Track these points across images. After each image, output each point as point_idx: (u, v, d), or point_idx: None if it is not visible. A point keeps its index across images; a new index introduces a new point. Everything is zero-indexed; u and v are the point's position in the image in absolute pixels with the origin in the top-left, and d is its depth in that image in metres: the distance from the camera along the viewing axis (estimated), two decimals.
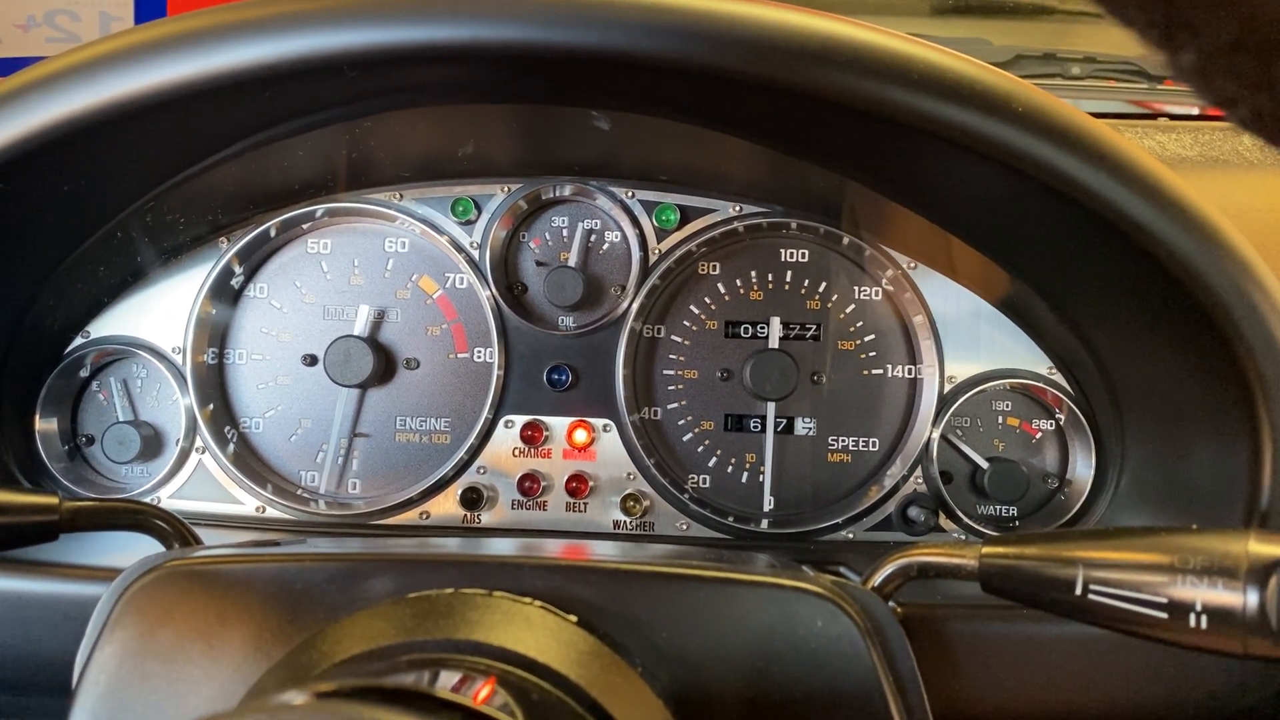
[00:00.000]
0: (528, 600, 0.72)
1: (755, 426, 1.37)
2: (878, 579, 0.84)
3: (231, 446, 1.38)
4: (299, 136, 1.08)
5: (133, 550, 0.86)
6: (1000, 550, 0.77)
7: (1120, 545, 0.71)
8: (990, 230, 1.09)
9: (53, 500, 0.86)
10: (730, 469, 1.39)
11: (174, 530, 0.92)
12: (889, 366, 1.39)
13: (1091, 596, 0.70)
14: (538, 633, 0.68)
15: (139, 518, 0.91)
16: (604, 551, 0.99)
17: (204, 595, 0.74)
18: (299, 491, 1.39)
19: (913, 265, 1.36)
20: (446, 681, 0.59)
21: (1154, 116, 1.76)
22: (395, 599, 0.72)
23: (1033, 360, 1.35)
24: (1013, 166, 0.84)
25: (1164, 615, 0.66)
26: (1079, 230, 0.92)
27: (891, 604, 0.80)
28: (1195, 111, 1.76)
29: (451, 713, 0.52)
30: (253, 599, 0.74)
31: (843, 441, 1.39)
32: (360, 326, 1.38)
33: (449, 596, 0.71)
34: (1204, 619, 0.64)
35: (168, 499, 1.37)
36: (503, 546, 0.99)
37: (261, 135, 1.06)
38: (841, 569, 1.12)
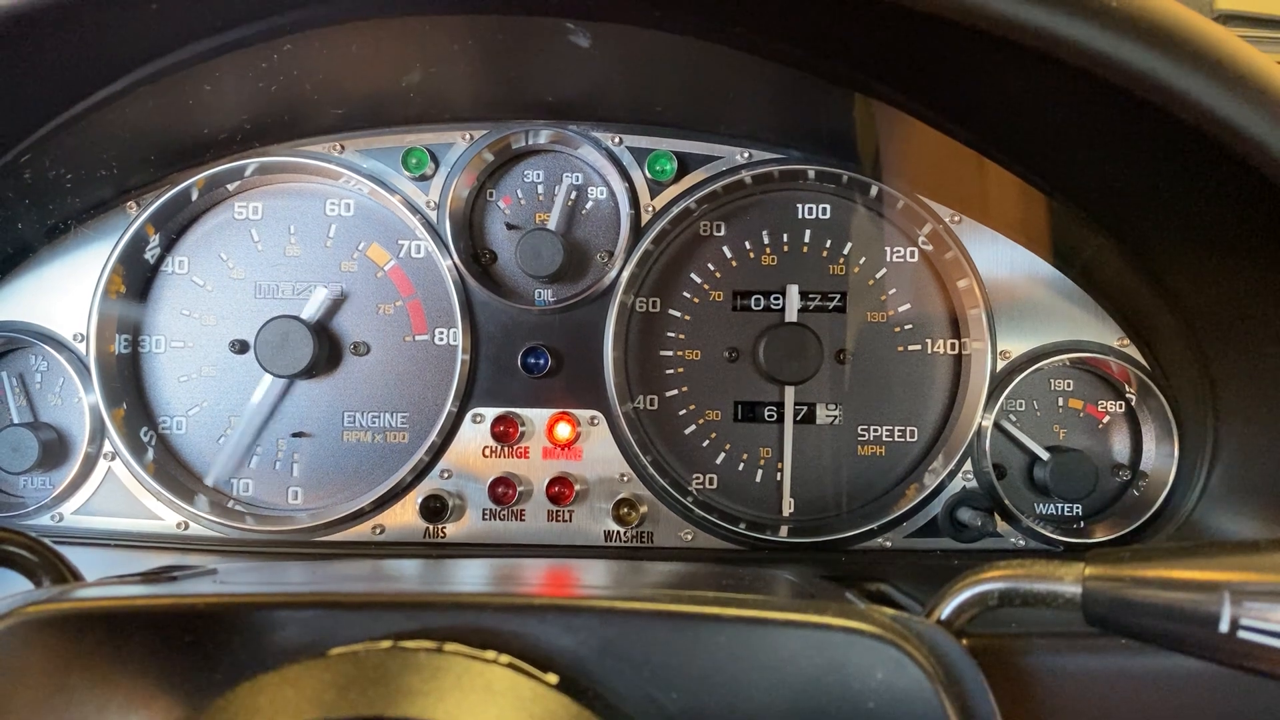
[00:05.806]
0: (491, 656, 0.59)
1: (770, 415, 1.24)
2: (946, 609, 0.68)
3: (149, 452, 1.21)
4: (206, 66, 0.91)
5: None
6: (1110, 571, 0.62)
7: None
8: (1059, 155, 0.94)
9: None
10: (742, 467, 1.24)
11: (43, 561, 0.75)
12: (929, 341, 1.23)
13: (1243, 635, 0.55)
14: (503, 703, 0.56)
15: None
16: (594, 580, 0.87)
17: (69, 651, 0.62)
18: (230, 504, 1.22)
19: (956, 219, 1.19)
20: None
21: None
22: (312, 658, 0.58)
23: (1100, 329, 1.19)
24: (1097, 74, 0.68)
25: None
26: (1172, 148, 0.77)
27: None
28: None
29: None
30: (131, 655, 0.62)
31: (875, 431, 1.24)
32: (310, 309, 1.20)
33: (382, 655, 0.58)
34: None
35: (71, 515, 1.20)
36: (466, 574, 0.88)
37: (155, 64, 0.89)
38: (885, 589, 0.96)
